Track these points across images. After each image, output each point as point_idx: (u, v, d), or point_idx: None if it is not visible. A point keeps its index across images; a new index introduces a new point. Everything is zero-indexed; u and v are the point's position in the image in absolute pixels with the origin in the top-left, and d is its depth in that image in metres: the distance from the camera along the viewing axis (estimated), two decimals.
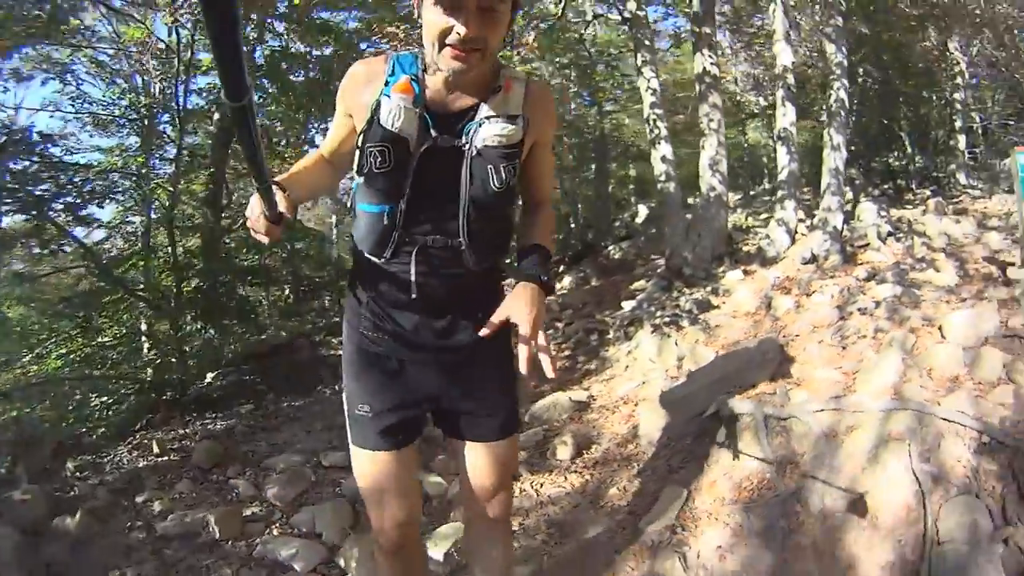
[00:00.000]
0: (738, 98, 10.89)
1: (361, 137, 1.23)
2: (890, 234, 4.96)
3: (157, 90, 6.47)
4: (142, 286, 5.95)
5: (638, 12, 5.89)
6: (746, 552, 1.93)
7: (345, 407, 1.44)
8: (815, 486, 2.10)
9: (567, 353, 5.01)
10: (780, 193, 5.50)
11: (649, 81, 5.68)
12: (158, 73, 6.31)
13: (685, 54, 12.25)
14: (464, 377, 1.40)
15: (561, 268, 7.25)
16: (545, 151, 1.39)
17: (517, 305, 1.21)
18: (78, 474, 3.57)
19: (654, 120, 5.65)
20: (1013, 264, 3.28)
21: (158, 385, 5.35)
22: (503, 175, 1.23)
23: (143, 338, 6.28)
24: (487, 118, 1.23)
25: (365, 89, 1.25)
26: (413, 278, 1.28)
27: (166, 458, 3.89)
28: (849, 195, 6.11)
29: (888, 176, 7.68)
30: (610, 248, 8.72)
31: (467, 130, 1.23)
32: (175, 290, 5.81)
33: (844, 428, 2.29)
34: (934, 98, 7.94)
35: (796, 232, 5.35)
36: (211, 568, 2.43)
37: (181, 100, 5.87)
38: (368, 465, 1.40)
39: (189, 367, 5.90)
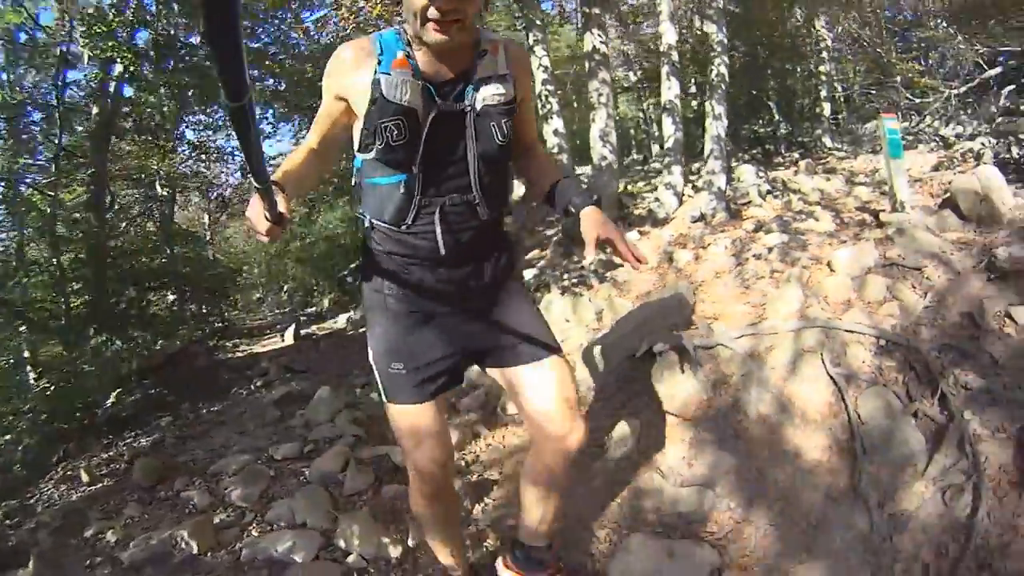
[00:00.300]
0: None
1: (368, 116, 1.31)
2: (769, 192, 5.58)
3: (29, 84, 5.63)
4: (20, 308, 5.26)
5: None
6: (709, 458, 2.26)
7: (375, 369, 1.53)
8: (749, 398, 2.45)
9: None
10: (667, 160, 5.95)
11: (541, 59, 5.94)
12: (32, 64, 5.46)
13: (559, 33, 12.86)
14: (491, 318, 1.54)
15: None
16: (528, 104, 1.55)
17: (600, 223, 1.39)
18: (8, 521, 3.24)
19: (546, 96, 5.93)
20: (884, 211, 3.73)
21: (60, 413, 4.82)
22: (504, 130, 1.38)
23: (28, 367, 5.57)
24: (482, 80, 1.36)
25: (357, 70, 1.33)
26: (440, 237, 1.39)
27: (100, 485, 3.60)
28: None
29: (756, 142, 8.50)
30: None
31: (466, 94, 1.35)
32: (64, 307, 5.20)
33: (764, 348, 2.66)
34: (799, 70, 8.77)
35: (683, 195, 5.88)
36: None
37: (59, 95, 5.14)
38: (405, 417, 1.51)
39: (87, 390, 5.38)
